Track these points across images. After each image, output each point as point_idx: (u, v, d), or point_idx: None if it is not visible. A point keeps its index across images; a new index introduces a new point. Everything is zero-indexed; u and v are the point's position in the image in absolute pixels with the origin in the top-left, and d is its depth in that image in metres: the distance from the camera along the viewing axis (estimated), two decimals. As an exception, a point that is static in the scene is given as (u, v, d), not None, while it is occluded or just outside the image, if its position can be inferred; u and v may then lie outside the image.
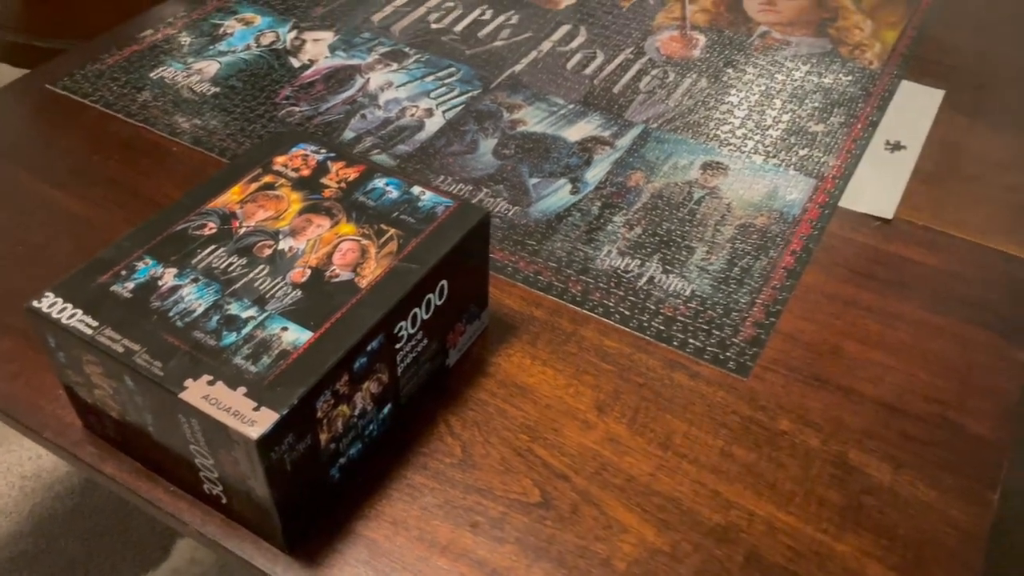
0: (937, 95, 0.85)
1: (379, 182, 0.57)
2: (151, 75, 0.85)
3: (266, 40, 0.90)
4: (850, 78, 0.87)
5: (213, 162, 0.75)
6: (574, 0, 0.98)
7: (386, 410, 0.53)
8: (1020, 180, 0.75)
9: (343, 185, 0.56)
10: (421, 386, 0.56)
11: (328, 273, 0.50)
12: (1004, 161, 0.77)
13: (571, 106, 0.83)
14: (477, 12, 0.96)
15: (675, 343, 0.62)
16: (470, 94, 0.84)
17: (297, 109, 0.81)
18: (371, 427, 0.52)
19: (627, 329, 0.62)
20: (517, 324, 0.63)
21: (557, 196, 0.73)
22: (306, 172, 0.57)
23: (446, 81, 0.86)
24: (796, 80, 0.87)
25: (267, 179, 0.56)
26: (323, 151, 0.59)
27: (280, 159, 0.58)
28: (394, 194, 0.56)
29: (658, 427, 0.56)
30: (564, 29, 0.93)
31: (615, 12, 0.97)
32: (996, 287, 0.66)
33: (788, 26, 0.95)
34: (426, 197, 0.56)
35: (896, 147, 0.79)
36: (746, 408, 0.58)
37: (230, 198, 0.55)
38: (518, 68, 0.88)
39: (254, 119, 0.80)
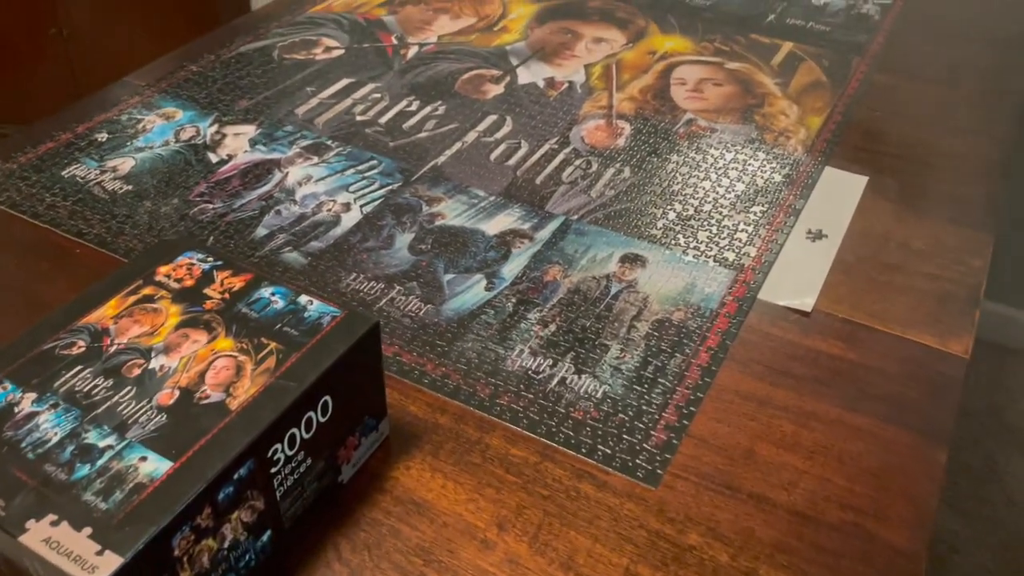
0: (860, 181, 0.85)
1: (265, 292, 0.54)
2: (63, 173, 0.83)
3: (185, 135, 0.88)
4: (773, 165, 0.87)
5: (117, 265, 0.73)
6: (502, 90, 0.98)
7: (265, 537, 0.50)
8: (941, 269, 0.75)
9: (227, 296, 0.54)
10: (308, 507, 0.53)
11: (198, 394, 0.48)
12: (926, 249, 0.77)
13: (492, 198, 0.82)
14: (403, 103, 0.95)
15: (584, 450, 0.59)
16: (390, 187, 0.83)
17: (210, 206, 0.79)
18: (247, 557, 0.49)
19: (535, 436, 0.60)
20: (420, 433, 0.60)
21: (471, 292, 0.71)
22: (189, 282, 0.55)
23: (367, 174, 0.84)
24: (719, 168, 0.86)
25: (147, 291, 0.54)
26: (210, 259, 0.57)
27: (164, 269, 0.56)
28: (279, 304, 0.54)
29: (561, 545, 0.53)
30: (490, 119, 0.93)
31: (542, 102, 0.97)
32: (917, 383, 0.64)
33: (715, 113, 0.95)
34: (313, 307, 0.53)
35: (818, 236, 0.78)
36: (654, 521, 0.55)
37: (105, 313, 0.53)
38: (441, 160, 0.87)
39: (164, 218, 0.78)
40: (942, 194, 0.84)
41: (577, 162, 0.87)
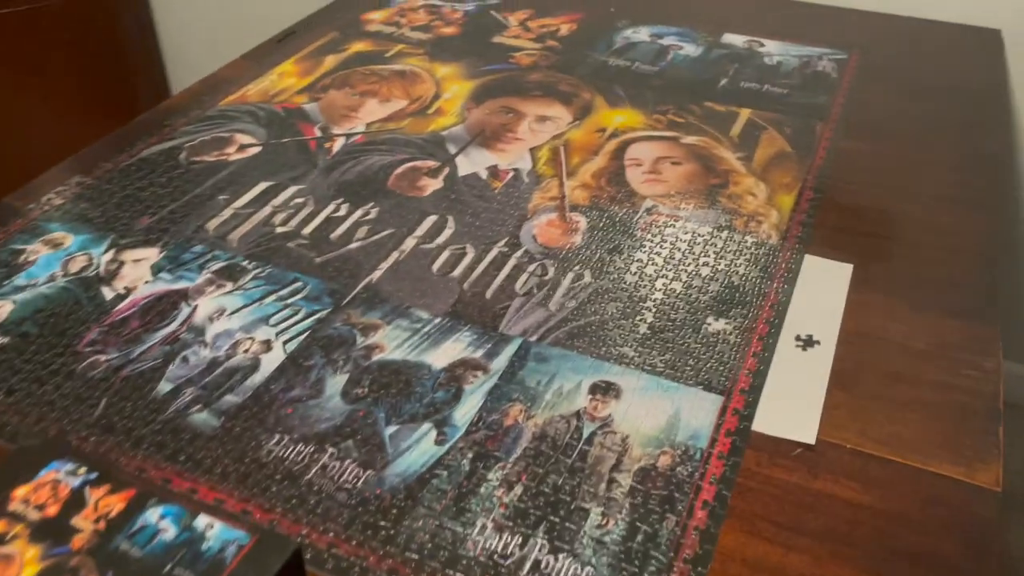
0: (845, 271, 0.77)
1: (152, 515, 0.43)
2: (-76, 327, 0.70)
3: (76, 266, 0.76)
4: (748, 257, 0.78)
5: (-13, 444, 0.60)
6: (441, 185, 0.88)
7: None
8: (951, 375, 0.66)
9: (102, 525, 0.42)
10: None
11: None
12: (929, 351, 0.68)
13: (438, 320, 0.71)
14: (331, 208, 0.85)
15: (569, 662, 0.48)
16: (318, 315, 0.72)
17: (103, 358, 0.67)
18: None
19: (507, 646, 0.49)
20: (365, 655, 0.48)
21: (419, 449, 0.60)
22: (53, 508, 0.43)
23: (290, 301, 0.73)
24: (689, 265, 0.77)
25: (-4, 528, 0.42)
26: (82, 470, 0.45)
27: (21, 491, 0.44)
28: (170, 532, 0.42)
29: None
30: (430, 221, 0.83)
31: (486, 196, 0.87)
32: (949, 532, 0.55)
33: (677, 197, 0.86)
34: (213, 533, 0.42)
35: (808, 343, 0.69)
36: None
37: (-65, 569, 0.40)
38: (376, 276, 0.76)
39: (47, 378, 0.65)
40: (936, 280, 0.76)
41: (531, 268, 0.77)
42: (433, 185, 0.88)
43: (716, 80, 1.08)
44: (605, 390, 0.65)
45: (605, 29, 1.22)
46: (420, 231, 0.82)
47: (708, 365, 0.67)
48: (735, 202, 0.86)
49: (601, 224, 0.82)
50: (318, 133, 0.97)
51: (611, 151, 0.94)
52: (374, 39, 1.19)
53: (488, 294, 0.74)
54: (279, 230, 0.81)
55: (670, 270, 0.77)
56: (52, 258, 0.77)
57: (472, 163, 0.92)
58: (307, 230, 0.81)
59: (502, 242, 0.80)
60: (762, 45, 1.17)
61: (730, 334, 0.70)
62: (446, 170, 0.90)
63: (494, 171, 0.90)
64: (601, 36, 1.20)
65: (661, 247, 0.79)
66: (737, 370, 0.67)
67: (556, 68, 1.11)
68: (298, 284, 0.75)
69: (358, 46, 1.16)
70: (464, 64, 1.11)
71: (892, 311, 0.72)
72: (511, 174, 0.90)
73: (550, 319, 0.71)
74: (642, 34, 1.20)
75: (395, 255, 0.78)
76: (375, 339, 0.69)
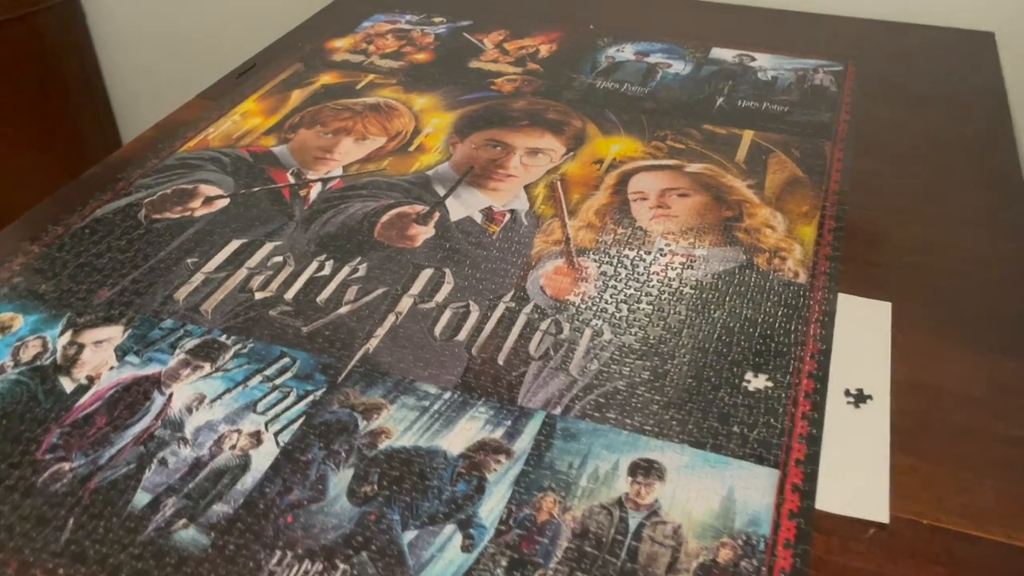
0: (884, 309, 0.71)
1: None
2: None
3: (28, 353, 0.67)
4: (777, 299, 0.72)
5: (-68, 587, 0.51)
6: (433, 233, 0.81)
7: None
8: (1017, 427, 0.60)
9: None
10: None
11: None
12: (989, 398, 0.63)
13: (448, 395, 0.63)
14: (314, 266, 0.76)
15: None
16: (311, 397, 0.63)
17: (67, 467, 0.58)
18: None
19: None
20: None
21: (444, 558, 0.52)
22: None
23: (278, 382, 0.65)
24: (715, 312, 0.70)
25: None
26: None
27: None
28: None
29: None
30: (426, 275, 0.75)
31: (484, 243, 0.79)
32: (1054, 621, 0.49)
33: (690, 233, 0.80)
34: None
35: (860, 398, 0.63)
36: None
37: None
38: (373, 345, 0.68)
39: (2, 497, 0.56)
40: (982, 315, 0.70)
41: (544, 325, 0.70)
42: (425, 233, 0.80)
43: (711, 100, 1.02)
44: (647, 470, 0.58)
45: (587, 49, 1.15)
46: (416, 288, 0.74)
47: (756, 432, 0.60)
48: (753, 236, 0.79)
49: (613, 269, 0.75)
50: (292, 179, 0.88)
51: (612, 185, 0.87)
52: (341, 69, 1.10)
53: (500, 359, 0.67)
54: (258, 296, 0.73)
55: (696, 318, 0.70)
56: (0, 345, 0.68)
57: (464, 205, 0.84)
58: (290, 294, 0.73)
59: (508, 296, 0.73)
60: (753, 59, 1.11)
61: (773, 391, 0.63)
62: (437, 215, 0.83)
63: (489, 213, 0.83)
64: (584, 56, 1.13)
65: (682, 293, 0.73)
66: (788, 436, 0.60)
67: (541, 94, 1.04)
68: (286, 361, 0.67)
69: (325, 78, 1.08)
70: (442, 94, 1.04)
71: (942, 353, 0.67)
72: (508, 216, 0.83)
73: (573, 386, 0.64)
74: (627, 52, 1.14)
75: (391, 318, 0.70)
76: (379, 423, 0.61)
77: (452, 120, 0.98)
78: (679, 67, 1.10)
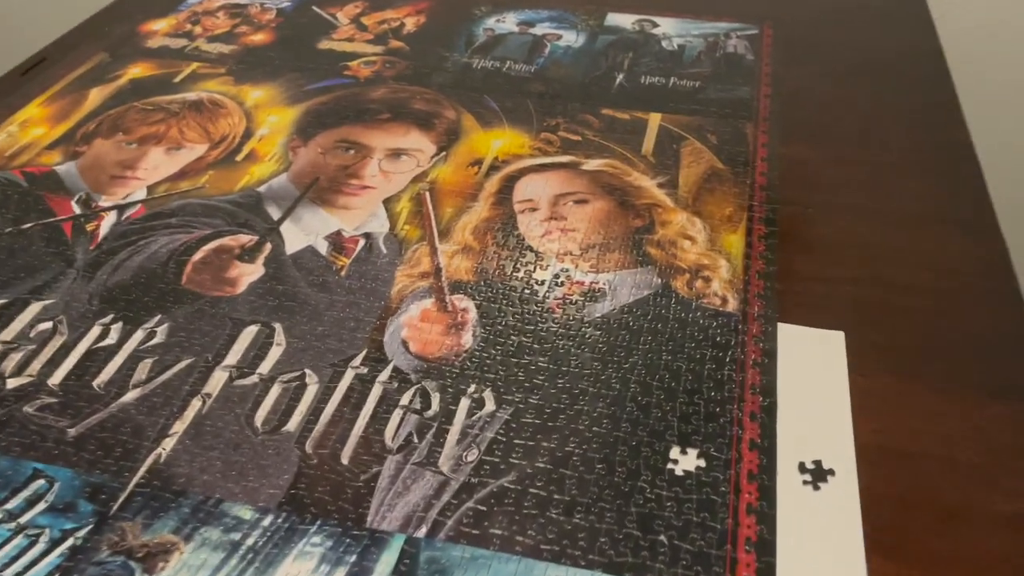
0: (835, 341, 0.56)
1: None
2: None
3: None
4: (703, 337, 0.56)
5: None
6: (261, 273, 0.62)
7: None
8: (1019, 499, 0.47)
9: None
10: None
11: None
12: (980, 463, 0.48)
13: (268, 519, 0.46)
14: (95, 333, 0.56)
15: None
16: (71, 541, 0.44)
17: None
18: None
19: None
20: None
21: None
22: None
23: (24, 519, 0.45)
24: (626, 367, 0.54)
25: None
26: None
27: None
28: None
29: None
30: (248, 336, 0.57)
31: (329, 283, 0.61)
32: None
33: (590, 252, 0.63)
34: None
35: (819, 474, 0.48)
36: None
37: None
38: (166, 449, 0.49)
39: None
40: (952, 340, 0.56)
41: (405, 398, 0.52)
42: (250, 274, 0.61)
43: (610, 77, 0.85)
44: (545, 620, 0.42)
45: (462, 19, 0.97)
46: (233, 356, 0.55)
47: (689, 541, 0.45)
48: (668, 252, 0.64)
49: (497, 310, 0.59)
50: (77, 210, 0.68)
51: (494, 192, 0.70)
52: (157, 58, 0.89)
53: (345, 456, 0.49)
54: (11, 384, 0.53)
55: (604, 372, 0.54)
56: None
57: (304, 231, 0.65)
58: (56, 377, 0.53)
59: (359, 359, 0.55)
60: (656, 25, 0.95)
61: (707, 474, 0.48)
62: (268, 247, 0.64)
63: (337, 241, 0.65)
64: (458, 29, 0.95)
65: (585, 336, 0.56)
66: (733, 542, 0.45)
67: (406, 78, 0.85)
68: (39, 484, 0.47)
69: (135, 70, 0.87)
70: (283, 84, 0.84)
71: (913, 400, 0.52)
72: (361, 243, 0.65)
73: (444, 490, 0.47)
74: (509, 23, 0.96)
75: (196, 405, 0.52)
76: (167, 572, 0.43)
77: (294, 117, 0.79)
78: (570, 38, 0.93)
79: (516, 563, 0.43)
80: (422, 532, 0.45)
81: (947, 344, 0.56)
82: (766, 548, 0.44)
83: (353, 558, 0.44)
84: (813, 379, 0.54)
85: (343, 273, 0.62)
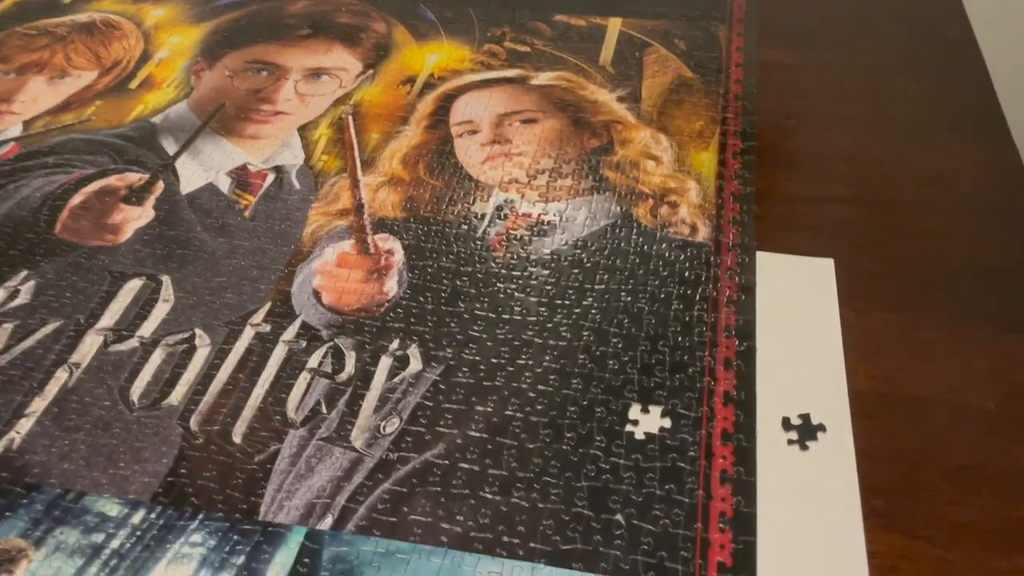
0: (823, 271, 0.48)
1: None
2: None
3: None
4: (669, 272, 0.48)
5: None
6: (150, 218, 0.52)
7: None
8: (1052, 459, 0.39)
9: None
10: None
11: None
12: (1002, 410, 0.41)
13: (140, 515, 0.37)
14: (-54, 295, 0.48)
15: None
16: None
17: None
18: None
19: None
20: None
21: None
22: None
23: None
24: (578, 311, 0.46)
25: None
26: None
27: None
28: None
29: None
30: (130, 292, 0.47)
31: (230, 227, 0.52)
32: None
33: (539, 179, 0.54)
34: None
35: (807, 431, 0.40)
36: None
37: None
38: (19, 433, 0.40)
39: None
40: (964, 270, 0.48)
41: (314, 360, 0.44)
42: (136, 219, 0.52)
43: (563, -20, 0.75)
44: (474, 628, 0.34)
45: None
46: (110, 317, 0.46)
47: (650, 520, 0.37)
48: (629, 175, 0.55)
49: (429, 251, 0.50)
50: (-64, 151, 0.58)
51: (428, 114, 0.60)
52: (47, -24, 0.78)
53: (237, 434, 0.41)
54: None
55: (551, 318, 0.45)
56: None
57: (204, 168, 0.56)
58: None
59: (260, 315, 0.46)
60: (616, -78, 0.84)
61: (673, 437, 0.40)
62: (159, 187, 0.54)
63: (242, 177, 0.55)
64: (393, -66, 0.83)
65: (531, 278, 0.48)
66: (704, 519, 0.37)
67: (331, -11, 0.75)
68: None
69: (19, -10, 0.76)
70: (189, 0, 0.73)
71: (916, 338, 0.44)
72: (271, 178, 0.55)
73: (355, 471, 0.39)
74: (451, -75, 0.85)
75: (59, 378, 0.43)
76: (13, 587, 0.35)
77: (199, 37, 0.68)
78: (521, -60, 0.82)
79: (441, 557, 0.36)
80: (327, 523, 0.37)
81: (955, 272, 0.48)
82: (744, 524, 0.37)
83: (240, 560, 0.36)
84: (799, 317, 0.45)
85: (247, 214, 0.53)
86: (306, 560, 0.36)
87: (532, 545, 0.36)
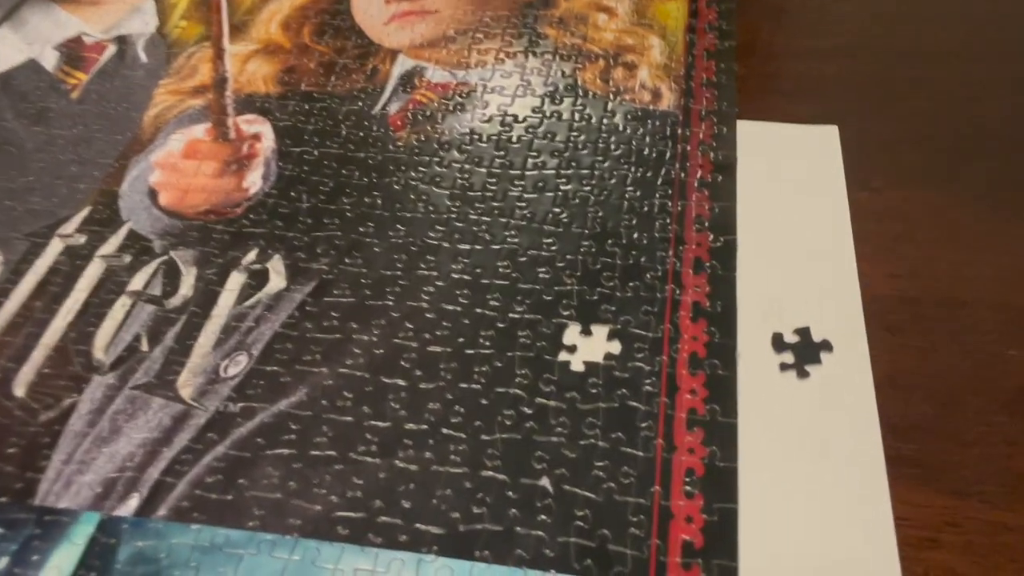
0: (826, 143, 0.37)
1: None
2: None
3: None
4: (621, 152, 0.36)
5: None
6: (-57, 103, 0.40)
7: None
8: None
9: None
10: None
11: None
12: (1069, 314, 0.30)
13: None
14: None
15: None
16: None
17: None
18: None
19: None
20: None
21: None
22: None
23: None
24: (500, 205, 0.35)
25: None
26: None
27: None
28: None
29: None
30: (-93, 198, 0.36)
31: (51, 112, 0.40)
32: None
33: (457, 41, 0.42)
34: None
35: (806, 352, 0.29)
36: None
37: None
38: None
39: None
40: (1003, 131, 0.36)
41: (139, 279, 0.33)
42: (-69, 106, 0.40)
43: None
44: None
45: None
46: None
47: (591, 480, 0.26)
48: (575, 32, 0.42)
49: (308, 135, 0.38)
50: None
51: (320, -33, 0.47)
52: None
53: (19, 384, 0.30)
54: None
55: (466, 219, 0.34)
56: None
57: (27, 42, 0.43)
58: None
59: (74, 223, 0.35)
60: None
61: (624, 367, 0.29)
62: (-35, 66, 0.42)
63: (74, 51, 0.43)
64: None
65: (441, 165, 0.36)
66: (663, 475, 0.26)
67: None
68: None
69: None
70: None
71: (950, 220, 0.33)
72: (110, 50, 0.43)
73: (178, 430, 0.28)
74: None
75: None
76: None
77: None
78: None
79: (288, 550, 0.25)
80: (130, 506, 0.26)
81: (991, 134, 0.36)
82: (720, 486, 0.26)
83: (2, 562, 0.25)
84: (794, 202, 0.34)
85: (75, 95, 0.40)
86: (94, 562, 0.25)
87: (419, 527, 0.25)
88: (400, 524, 0.25)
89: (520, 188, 0.35)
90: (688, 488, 0.26)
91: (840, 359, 0.29)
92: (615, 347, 0.30)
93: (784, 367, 0.29)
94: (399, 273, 0.32)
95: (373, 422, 0.28)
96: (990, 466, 0.26)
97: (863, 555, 0.25)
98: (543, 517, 0.26)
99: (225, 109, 0.39)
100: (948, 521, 0.25)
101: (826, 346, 0.29)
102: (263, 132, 0.38)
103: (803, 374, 0.29)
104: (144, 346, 0.30)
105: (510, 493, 0.26)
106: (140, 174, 0.36)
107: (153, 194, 0.36)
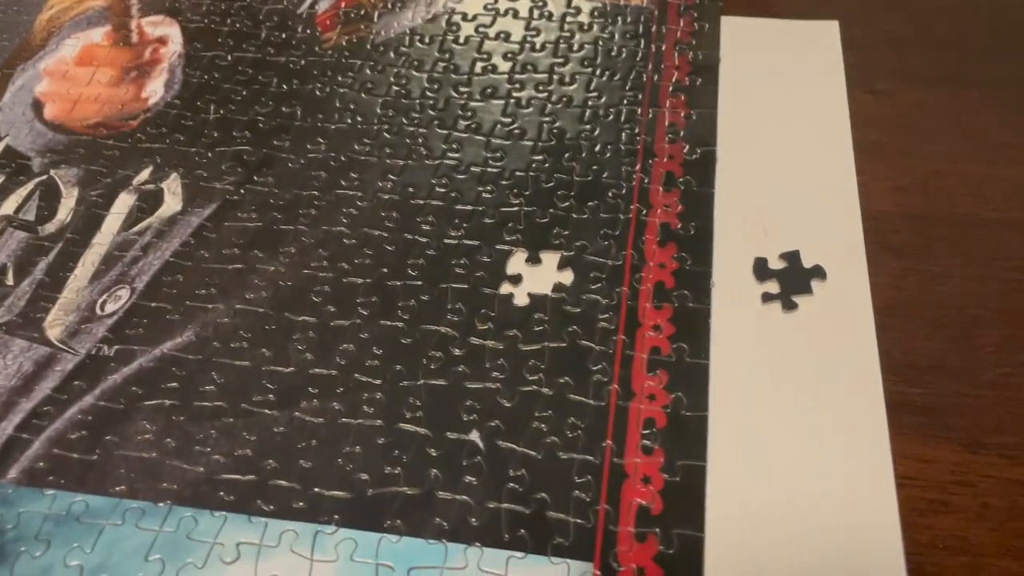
0: (825, 40, 0.31)
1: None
2: None
3: None
4: (585, 53, 0.31)
5: None
6: None
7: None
8: None
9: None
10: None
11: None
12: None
13: None
14: None
15: None
16: None
17: None
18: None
19: None
20: None
21: None
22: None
23: None
24: (436, 114, 0.29)
25: None
26: None
27: None
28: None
29: None
30: None
31: (-77, 14, 0.35)
32: None
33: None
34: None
35: (793, 280, 0.25)
36: None
37: None
38: None
39: None
40: (1036, 22, 0.31)
41: (11, 203, 0.28)
42: None
43: None
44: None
45: None
46: None
47: (529, 434, 0.22)
48: (536, -81, 0.37)
49: (222, 37, 0.33)
50: None
51: None
52: None
53: None
54: None
55: (397, 130, 0.29)
56: None
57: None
58: None
59: (-57, 139, 0.30)
60: None
61: (577, 300, 0.25)
62: None
63: (-38, -53, 0.37)
64: None
65: (375, 71, 0.31)
66: (615, 432, 0.22)
67: None
68: None
69: None
70: None
71: (968, 125, 0.28)
72: (3, -53, 0.37)
73: (40, 378, 0.24)
74: None
75: None
76: None
77: None
78: None
79: (158, 520, 0.21)
80: (-25, 469, 0.22)
81: (1019, 28, 0.31)
82: (686, 440, 0.22)
83: None
84: (784, 106, 0.29)
85: (-43, -3, 0.35)
86: (-76, 536, 0.21)
87: (319, 492, 0.21)
88: (296, 488, 0.21)
89: (464, 95, 0.30)
90: (647, 443, 0.22)
91: (834, 288, 0.24)
92: (567, 277, 0.25)
93: (767, 298, 0.24)
94: (316, 193, 0.27)
95: (273, 367, 0.23)
96: (1011, 413, 0.22)
97: (858, 523, 0.20)
98: (470, 479, 0.21)
99: (129, 10, 0.34)
100: (960, 480, 0.21)
101: (818, 273, 0.25)
102: (169, 35, 0.33)
103: (790, 306, 0.24)
104: (9, 279, 0.26)
105: (431, 450, 0.22)
106: (25, 84, 0.31)
107: (38, 106, 0.31)
